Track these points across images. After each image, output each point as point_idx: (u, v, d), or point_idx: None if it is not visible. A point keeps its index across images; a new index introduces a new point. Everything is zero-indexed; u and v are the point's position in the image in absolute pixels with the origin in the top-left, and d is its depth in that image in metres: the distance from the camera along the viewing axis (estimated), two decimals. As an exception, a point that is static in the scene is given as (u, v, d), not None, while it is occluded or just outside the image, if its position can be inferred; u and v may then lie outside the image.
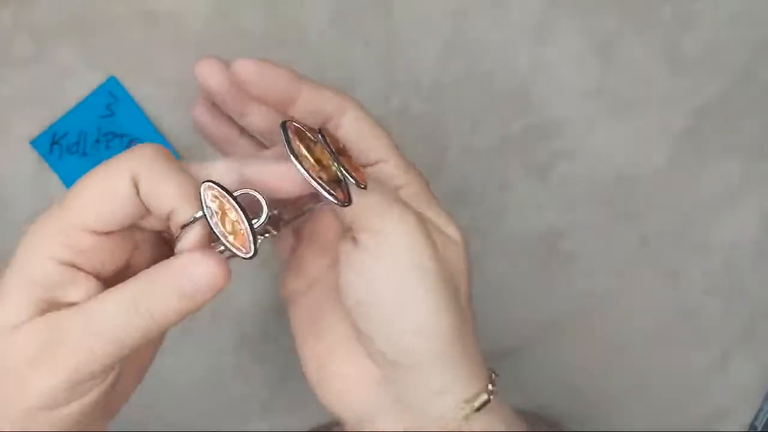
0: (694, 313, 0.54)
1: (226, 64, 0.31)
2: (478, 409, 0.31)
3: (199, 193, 0.27)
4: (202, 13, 0.40)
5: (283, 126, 0.29)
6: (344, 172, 0.29)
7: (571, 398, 0.55)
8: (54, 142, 0.40)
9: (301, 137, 0.29)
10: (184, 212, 0.27)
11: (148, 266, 0.27)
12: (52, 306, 0.27)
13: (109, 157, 0.41)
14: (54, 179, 0.41)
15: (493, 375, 0.33)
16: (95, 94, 0.40)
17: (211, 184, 0.27)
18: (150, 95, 0.41)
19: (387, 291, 0.31)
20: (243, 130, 0.35)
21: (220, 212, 0.27)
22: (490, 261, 0.49)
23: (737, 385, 0.57)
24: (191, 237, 0.27)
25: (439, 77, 0.44)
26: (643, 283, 0.53)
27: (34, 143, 0.41)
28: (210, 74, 0.31)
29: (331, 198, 0.28)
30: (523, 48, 0.45)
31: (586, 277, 0.52)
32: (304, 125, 0.30)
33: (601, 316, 0.53)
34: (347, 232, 0.32)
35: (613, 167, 0.49)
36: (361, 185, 0.29)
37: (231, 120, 0.34)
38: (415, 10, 0.42)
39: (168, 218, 0.28)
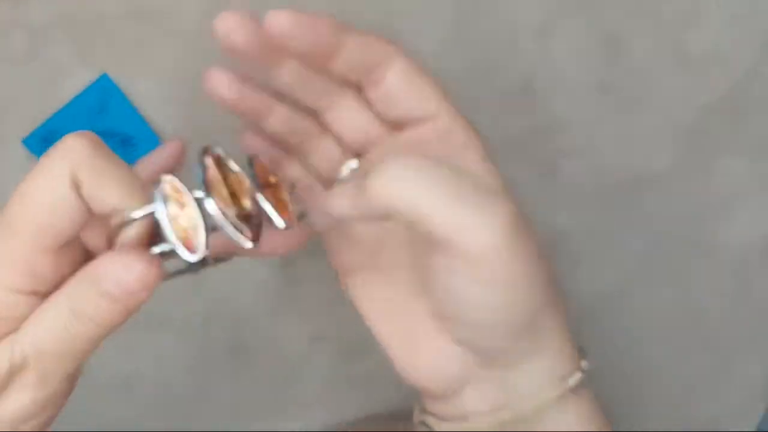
0: (700, 313, 0.54)
1: (252, 16, 0.29)
2: (573, 390, 0.30)
3: (154, 187, 0.25)
4: (195, 10, 0.39)
5: (203, 152, 0.27)
6: (266, 207, 0.27)
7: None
8: (46, 140, 0.40)
9: (220, 165, 0.27)
10: (128, 210, 0.25)
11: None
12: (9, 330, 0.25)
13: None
14: (46, 179, 0.41)
15: (584, 355, 0.31)
16: (87, 91, 0.40)
17: (172, 177, 0.26)
18: (143, 92, 0.40)
19: (477, 294, 0.28)
20: (276, 95, 0.32)
21: (172, 210, 0.25)
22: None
23: (743, 386, 0.57)
24: (130, 235, 0.26)
25: (441, 74, 0.44)
26: (648, 284, 0.52)
27: (26, 141, 0.40)
28: (235, 27, 0.29)
29: (234, 237, 0.26)
30: (526, 45, 0.44)
31: (591, 277, 0.51)
32: (227, 155, 0.28)
33: (605, 316, 0.53)
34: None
35: (619, 166, 0.49)
36: (286, 225, 0.27)
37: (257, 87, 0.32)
38: (416, 6, 0.42)
39: (109, 217, 0.26)
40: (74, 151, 0.25)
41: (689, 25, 0.46)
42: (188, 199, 0.25)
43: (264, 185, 0.28)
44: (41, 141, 0.40)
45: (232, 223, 0.26)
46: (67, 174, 0.25)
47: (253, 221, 0.27)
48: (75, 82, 0.40)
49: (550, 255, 0.49)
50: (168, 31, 0.40)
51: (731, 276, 0.53)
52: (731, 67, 0.48)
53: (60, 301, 0.25)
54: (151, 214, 0.25)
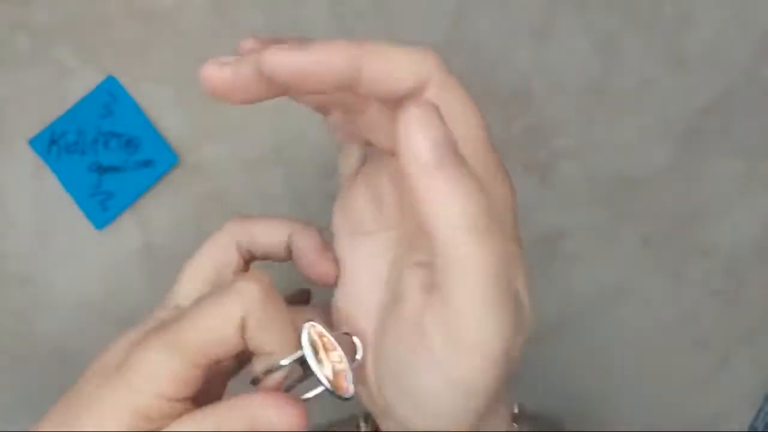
0: (694, 313, 0.54)
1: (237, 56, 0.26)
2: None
3: (300, 335, 0.27)
4: (200, 12, 0.40)
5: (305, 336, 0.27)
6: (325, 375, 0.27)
7: (571, 399, 0.54)
8: (52, 142, 0.40)
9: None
10: (280, 357, 0.27)
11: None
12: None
13: (106, 156, 0.41)
14: (52, 179, 0.41)
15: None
16: (94, 93, 0.40)
17: (313, 323, 0.27)
18: (148, 94, 0.41)
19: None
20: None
21: (318, 352, 0.27)
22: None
23: (737, 386, 0.57)
24: (276, 378, 0.28)
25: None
26: (643, 284, 0.52)
27: (33, 143, 0.40)
28: (220, 80, 0.26)
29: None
30: (523, 47, 0.44)
31: (586, 278, 0.51)
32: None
33: (601, 316, 0.53)
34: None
35: (615, 167, 0.49)
36: (343, 396, 0.27)
37: None
38: (415, 8, 0.42)
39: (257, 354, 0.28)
40: (248, 297, 0.27)
41: (684, 28, 0.46)
42: (332, 343, 0.27)
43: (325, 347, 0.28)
44: (48, 142, 0.40)
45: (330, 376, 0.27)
46: (239, 318, 0.27)
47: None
48: (80, 84, 0.40)
49: (547, 255, 0.50)
50: (172, 33, 0.40)
51: (725, 276, 0.53)
52: (725, 69, 0.48)
53: (208, 423, 0.27)
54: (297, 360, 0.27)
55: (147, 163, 0.42)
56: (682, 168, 0.50)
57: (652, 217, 0.51)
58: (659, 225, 0.51)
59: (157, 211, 0.43)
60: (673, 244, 0.52)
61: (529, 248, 0.49)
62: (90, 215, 0.42)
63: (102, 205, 0.42)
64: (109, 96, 0.40)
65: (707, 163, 0.50)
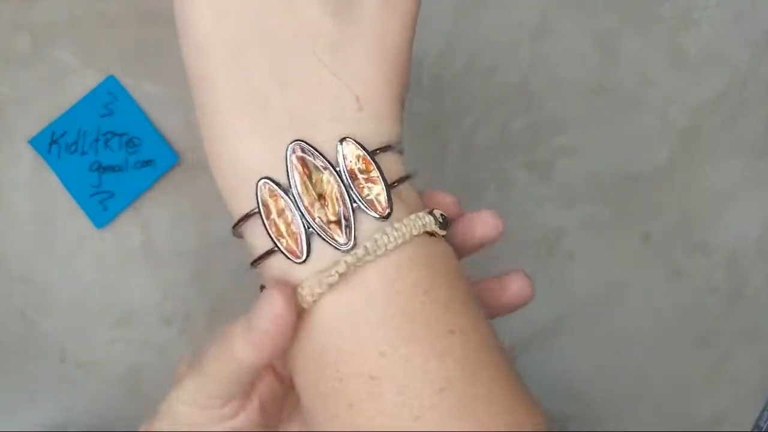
0: (695, 311, 0.54)
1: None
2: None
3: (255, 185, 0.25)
4: (200, 11, 0.40)
5: (289, 153, 0.25)
6: (356, 202, 0.25)
7: (571, 398, 0.54)
8: (53, 141, 0.40)
9: (305, 164, 0.25)
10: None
11: None
12: None
13: (107, 155, 0.41)
14: (53, 178, 0.41)
15: None
16: (94, 93, 0.40)
17: (265, 180, 0.25)
18: (149, 94, 0.41)
19: None
20: None
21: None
22: (489, 259, 0.49)
23: (739, 384, 0.57)
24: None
25: (439, 75, 0.44)
26: (644, 282, 0.52)
27: (33, 142, 0.40)
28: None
29: (288, 255, 0.25)
30: (524, 45, 0.45)
31: (586, 276, 0.51)
32: (313, 147, 0.25)
33: (601, 315, 0.53)
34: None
35: (615, 165, 0.49)
36: (381, 215, 0.25)
37: None
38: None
39: None
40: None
41: (684, 26, 0.46)
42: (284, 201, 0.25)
43: (351, 175, 0.25)
44: (48, 142, 0.40)
45: (320, 229, 0.25)
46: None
47: (345, 223, 0.25)
48: (80, 84, 0.40)
49: (547, 253, 0.50)
50: (173, 33, 0.40)
51: (726, 273, 0.53)
52: (725, 68, 0.48)
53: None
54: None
55: (147, 163, 0.42)
56: (681, 166, 0.50)
57: (652, 215, 0.51)
58: (659, 223, 0.51)
59: (158, 211, 0.43)
60: (673, 242, 0.52)
61: (529, 246, 0.50)
62: (90, 214, 0.42)
63: (102, 204, 0.42)
64: (110, 96, 0.40)
65: (707, 161, 0.50)
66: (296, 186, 0.25)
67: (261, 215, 0.25)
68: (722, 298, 0.54)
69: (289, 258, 0.25)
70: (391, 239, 0.25)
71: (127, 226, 0.43)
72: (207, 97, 0.26)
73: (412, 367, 0.24)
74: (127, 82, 0.40)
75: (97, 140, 0.41)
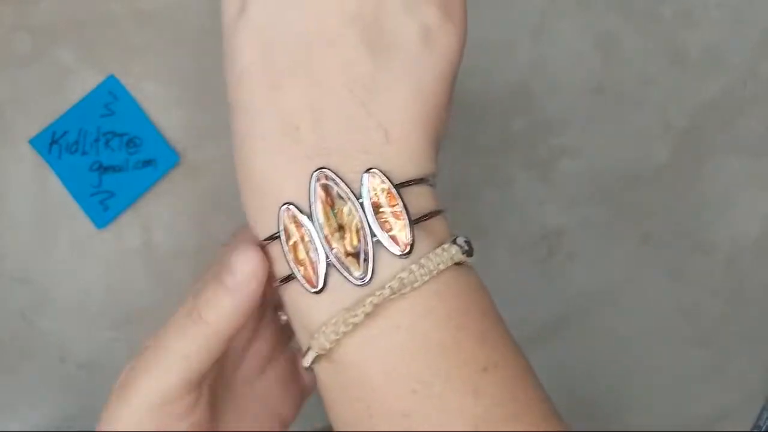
0: (695, 311, 0.54)
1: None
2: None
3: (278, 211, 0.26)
4: (200, 11, 0.40)
5: (313, 180, 0.25)
6: (376, 236, 0.24)
7: (571, 398, 0.54)
8: (53, 141, 0.40)
9: (328, 193, 0.25)
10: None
11: None
12: None
13: (107, 155, 0.41)
14: (53, 178, 0.41)
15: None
16: (94, 93, 0.40)
17: (287, 206, 0.25)
18: (149, 94, 0.41)
19: None
20: None
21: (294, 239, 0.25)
22: (489, 259, 0.49)
23: (738, 384, 0.57)
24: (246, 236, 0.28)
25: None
26: (643, 282, 0.53)
27: (33, 142, 0.40)
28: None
29: (304, 284, 0.25)
30: (523, 45, 0.45)
31: (586, 276, 0.51)
32: (337, 176, 0.25)
33: (601, 315, 0.53)
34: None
35: (614, 165, 0.49)
36: (402, 252, 0.24)
37: None
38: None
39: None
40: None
41: (684, 26, 0.46)
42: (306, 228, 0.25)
43: (376, 207, 0.25)
44: (48, 142, 0.40)
45: (336, 260, 0.25)
46: None
47: (364, 257, 0.25)
48: (80, 84, 0.40)
49: (547, 253, 0.50)
50: (173, 33, 0.40)
51: (726, 274, 0.53)
52: (725, 67, 0.48)
53: (182, 306, 0.30)
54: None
55: (148, 163, 0.42)
56: (681, 166, 0.50)
57: (652, 215, 0.51)
58: (659, 223, 0.51)
59: (158, 211, 0.43)
60: (673, 243, 0.52)
61: (529, 246, 0.50)
62: (91, 215, 0.42)
63: (103, 204, 0.42)
64: (110, 96, 0.40)
65: (707, 161, 0.50)
66: (317, 214, 0.25)
67: (281, 240, 0.25)
68: (722, 298, 0.54)
69: (304, 287, 0.25)
70: (417, 277, 0.24)
71: (128, 226, 0.43)
72: (243, 122, 0.26)
73: (446, 405, 0.24)
74: (128, 82, 0.40)
75: (97, 140, 0.41)
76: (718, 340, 0.55)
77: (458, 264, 0.26)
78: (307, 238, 0.25)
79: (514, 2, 0.43)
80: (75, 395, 0.45)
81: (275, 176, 0.25)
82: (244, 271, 0.26)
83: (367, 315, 0.24)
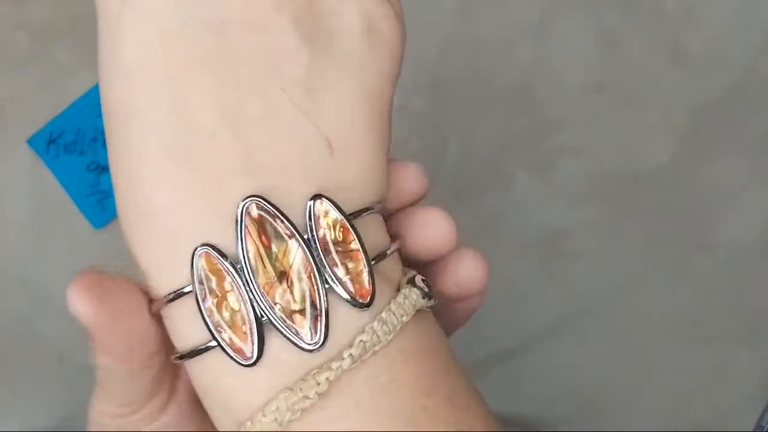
0: (697, 312, 0.54)
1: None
2: None
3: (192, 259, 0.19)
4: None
5: (242, 212, 0.19)
6: (328, 284, 0.19)
7: (572, 399, 0.54)
8: (51, 141, 0.40)
9: (263, 229, 0.19)
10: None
11: None
12: None
13: (105, 155, 0.41)
14: (50, 178, 0.41)
15: None
16: (92, 92, 0.40)
17: (206, 247, 0.19)
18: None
19: None
20: None
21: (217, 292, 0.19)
22: (491, 260, 0.49)
23: (741, 384, 0.57)
24: None
25: (439, 74, 0.44)
26: (646, 282, 0.52)
27: (31, 142, 0.41)
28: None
29: (232, 355, 0.18)
30: (524, 45, 0.44)
31: (588, 276, 0.51)
32: (274, 207, 0.19)
33: (603, 315, 0.53)
34: None
35: (617, 164, 0.49)
36: (363, 303, 0.19)
37: None
38: (416, 7, 0.42)
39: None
40: None
41: (686, 25, 0.46)
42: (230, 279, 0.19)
43: (324, 249, 0.19)
44: (46, 141, 0.40)
45: (279, 320, 0.19)
46: None
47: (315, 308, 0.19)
48: (78, 83, 0.40)
49: (549, 253, 0.50)
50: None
51: (728, 274, 0.53)
52: (728, 66, 0.48)
53: None
54: None
55: (146, 163, 0.42)
56: (684, 165, 0.50)
57: (655, 214, 0.51)
58: (662, 223, 0.51)
59: (157, 211, 0.43)
60: (676, 242, 0.52)
61: (531, 246, 0.50)
62: (88, 214, 0.42)
63: (100, 204, 0.42)
64: (108, 95, 0.40)
65: (710, 160, 0.50)
66: (248, 259, 0.18)
67: (196, 297, 0.19)
68: (724, 298, 0.54)
69: (233, 358, 0.19)
70: (380, 337, 0.19)
71: (126, 226, 0.43)
72: (129, 134, 0.19)
73: None
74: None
75: (95, 140, 0.41)
76: (720, 340, 0.55)
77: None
78: (233, 293, 0.19)
79: (515, 2, 0.43)
80: (75, 395, 0.45)
81: (185, 207, 0.19)
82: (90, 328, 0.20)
83: (321, 395, 0.18)
